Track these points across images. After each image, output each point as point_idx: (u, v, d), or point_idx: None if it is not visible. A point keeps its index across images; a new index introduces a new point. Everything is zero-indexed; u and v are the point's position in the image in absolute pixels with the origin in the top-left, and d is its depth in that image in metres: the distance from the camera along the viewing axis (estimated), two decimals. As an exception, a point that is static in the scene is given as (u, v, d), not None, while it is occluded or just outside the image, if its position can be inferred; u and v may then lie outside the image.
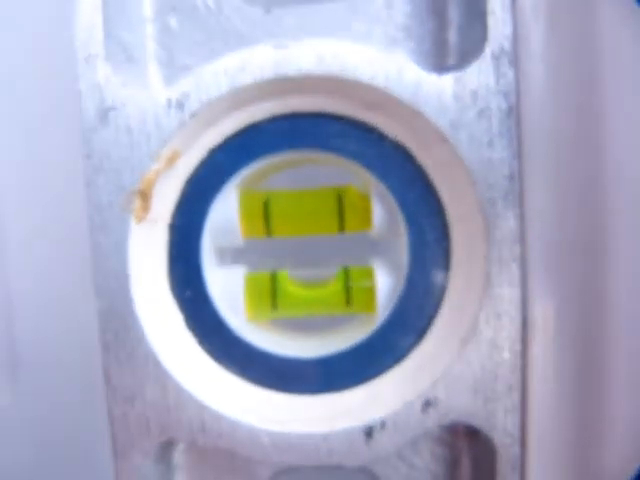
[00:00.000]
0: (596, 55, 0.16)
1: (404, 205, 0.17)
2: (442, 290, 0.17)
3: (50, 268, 0.26)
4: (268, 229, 0.18)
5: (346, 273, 0.19)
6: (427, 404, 0.17)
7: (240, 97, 0.16)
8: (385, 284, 0.18)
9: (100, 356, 0.17)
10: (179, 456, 0.19)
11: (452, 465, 0.19)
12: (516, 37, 0.16)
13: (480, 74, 0.16)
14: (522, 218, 0.16)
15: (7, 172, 0.23)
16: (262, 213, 0.18)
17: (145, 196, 0.16)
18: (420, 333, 0.17)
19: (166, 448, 0.18)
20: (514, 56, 0.16)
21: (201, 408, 0.17)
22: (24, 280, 0.27)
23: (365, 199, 0.18)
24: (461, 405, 0.17)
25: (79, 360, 0.26)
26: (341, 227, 0.18)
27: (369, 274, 0.18)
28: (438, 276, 0.17)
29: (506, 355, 0.16)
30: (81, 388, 0.27)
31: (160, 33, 0.17)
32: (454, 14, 0.17)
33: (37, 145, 0.20)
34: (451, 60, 0.17)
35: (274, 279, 0.19)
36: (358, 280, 0.19)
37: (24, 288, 0.27)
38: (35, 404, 0.28)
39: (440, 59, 0.17)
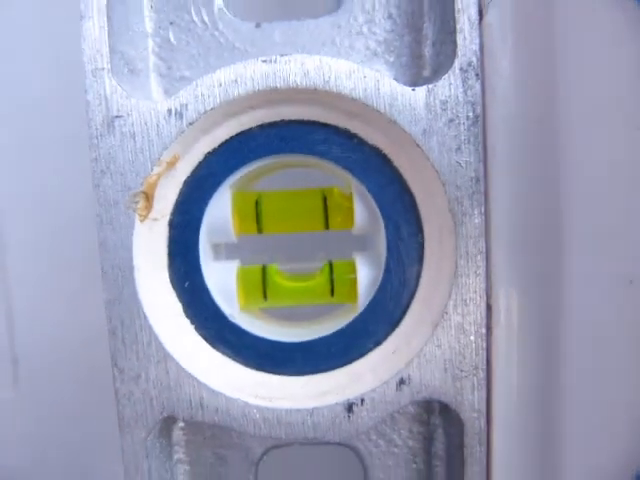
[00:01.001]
0: (557, 69, 0.18)
1: (382, 204, 0.19)
2: (416, 280, 0.19)
3: (49, 263, 0.28)
4: (259, 227, 0.20)
5: (330, 267, 0.20)
6: (401, 382, 0.18)
7: (233, 107, 0.18)
8: (366, 276, 0.20)
9: (96, 347, 0.19)
10: (178, 433, 0.21)
11: (428, 440, 0.20)
12: (483, 53, 0.18)
13: (450, 86, 0.17)
14: (487, 215, 0.18)
15: (12, 174, 0.24)
16: (254, 212, 0.20)
17: (148, 197, 0.18)
18: (396, 319, 0.19)
19: (167, 424, 0.20)
20: (481, 70, 0.18)
21: (199, 387, 0.18)
22: (23, 276, 0.28)
23: (348, 199, 0.20)
24: (432, 383, 0.18)
25: (78, 351, 0.27)
26: (326, 225, 0.20)
27: (351, 267, 0.20)
28: (413, 268, 0.19)
29: (472, 338, 0.18)
30: (80, 379, 0.28)
31: (160, 47, 0.19)
32: (429, 31, 0.19)
33: (45, 151, 0.21)
34: (426, 72, 0.19)
35: (265, 272, 0.20)
36: (341, 273, 0.20)
37: (23, 283, 0.28)
38: (36, 397, 0.29)
39: (416, 71, 0.19)
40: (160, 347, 0.18)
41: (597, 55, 0.17)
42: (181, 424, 0.20)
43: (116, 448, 0.19)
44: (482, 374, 0.18)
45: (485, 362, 0.18)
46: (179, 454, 0.21)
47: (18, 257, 0.28)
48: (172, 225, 0.19)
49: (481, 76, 0.18)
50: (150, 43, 0.19)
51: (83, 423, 0.28)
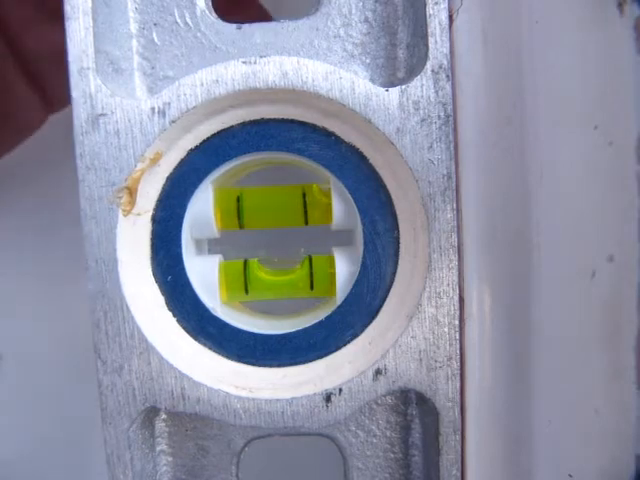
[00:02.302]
0: (524, 70, 0.19)
1: (359, 200, 0.19)
2: (392, 274, 0.20)
3: (31, 259, 0.28)
4: (241, 222, 0.21)
5: (310, 261, 0.21)
6: (378, 372, 0.19)
7: (214, 106, 0.18)
8: (344, 270, 0.20)
9: (79, 340, 0.19)
10: (161, 425, 0.21)
11: (405, 430, 0.21)
12: (454, 55, 0.19)
13: (422, 87, 0.18)
14: (458, 211, 0.19)
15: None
16: (235, 208, 0.21)
17: (131, 192, 0.18)
18: (373, 311, 0.20)
19: (150, 416, 0.20)
20: (451, 72, 0.18)
21: (181, 378, 0.19)
22: (5, 272, 0.29)
23: (326, 195, 0.20)
24: (407, 373, 0.19)
25: (62, 345, 0.28)
26: (305, 220, 0.21)
27: (330, 262, 0.21)
28: (389, 262, 0.20)
29: (446, 329, 0.19)
30: (64, 372, 0.29)
31: (144, 48, 0.19)
32: (403, 34, 0.19)
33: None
34: (400, 74, 0.20)
35: (246, 266, 0.21)
36: (321, 267, 0.21)
37: (5, 279, 0.29)
38: (20, 391, 0.30)
39: (392, 72, 0.20)
40: (142, 339, 0.19)
41: (561, 57, 0.18)
42: (163, 416, 0.21)
43: (99, 439, 0.19)
44: (456, 364, 0.19)
45: (458, 353, 0.19)
46: (162, 445, 0.21)
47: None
48: (155, 220, 0.19)
49: (452, 77, 0.18)
50: (134, 43, 0.19)
51: (67, 416, 0.29)
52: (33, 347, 0.30)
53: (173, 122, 0.18)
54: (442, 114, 0.18)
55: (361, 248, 0.20)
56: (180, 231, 0.20)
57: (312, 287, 0.21)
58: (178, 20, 0.19)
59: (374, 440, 0.21)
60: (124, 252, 0.19)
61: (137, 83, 0.19)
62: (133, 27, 0.19)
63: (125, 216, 0.18)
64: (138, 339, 0.19)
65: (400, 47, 0.19)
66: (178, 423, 0.21)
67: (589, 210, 0.18)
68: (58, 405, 0.30)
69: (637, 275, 0.18)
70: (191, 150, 0.19)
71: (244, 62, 0.18)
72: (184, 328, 0.20)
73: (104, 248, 0.18)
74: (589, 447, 0.20)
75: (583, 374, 0.19)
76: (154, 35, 0.19)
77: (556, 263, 0.19)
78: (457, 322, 0.19)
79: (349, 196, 0.19)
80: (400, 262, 0.19)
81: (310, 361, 0.20)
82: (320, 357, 0.20)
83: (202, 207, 0.20)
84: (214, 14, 0.19)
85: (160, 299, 0.20)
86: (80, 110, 0.18)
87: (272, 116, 0.19)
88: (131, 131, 0.18)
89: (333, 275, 0.20)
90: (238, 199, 0.21)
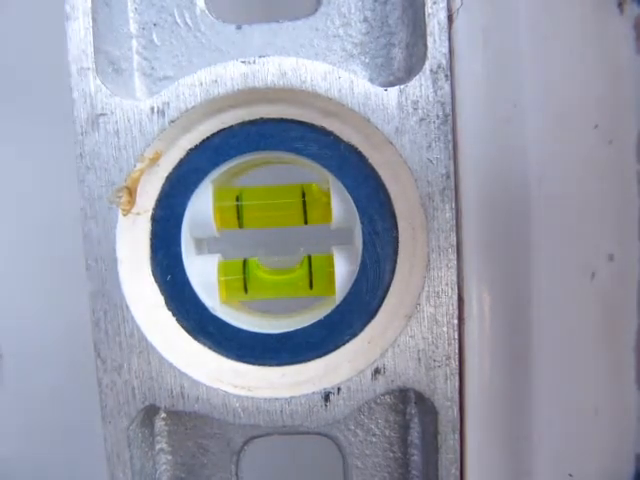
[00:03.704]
0: (524, 70, 0.19)
1: (358, 200, 0.19)
2: (391, 273, 0.20)
3: (30, 260, 0.28)
4: (240, 221, 0.21)
5: (309, 260, 0.21)
6: (377, 372, 0.19)
7: (214, 106, 0.19)
8: (343, 269, 0.20)
9: (78, 340, 0.19)
10: (160, 424, 0.21)
11: (404, 429, 0.21)
12: (453, 55, 0.19)
13: (420, 87, 0.18)
14: (457, 211, 0.19)
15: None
16: (235, 207, 0.21)
17: (131, 192, 0.18)
18: (372, 311, 0.20)
19: (149, 415, 0.20)
20: (450, 71, 0.18)
21: (180, 376, 0.19)
22: (5, 273, 0.29)
23: (326, 195, 0.20)
24: (406, 372, 0.19)
25: (61, 344, 0.28)
26: (305, 220, 0.21)
27: (330, 261, 0.21)
28: (388, 261, 0.20)
29: (445, 329, 0.19)
30: (64, 372, 0.29)
31: (144, 48, 0.20)
32: (402, 34, 0.19)
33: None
34: (399, 73, 0.20)
35: (245, 266, 0.21)
36: (320, 266, 0.21)
37: (5, 280, 0.29)
38: (20, 391, 0.30)
39: (391, 72, 0.20)
40: (142, 338, 0.19)
41: (561, 57, 0.18)
42: (163, 415, 0.21)
43: (99, 438, 0.19)
44: (454, 364, 0.19)
45: (457, 352, 0.19)
46: (161, 444, 0.21)
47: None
48: (155, 219, 0.19)
49: (450, 77, 0.18)
50: (134, 43, 0.19)
51: (67, 415, 0.29)
52: (33, 346, 0.30)
53: (172, 122, 0.18)
54: (441, 113, 0.18)
55: (360, 247, 0.20)
56: (180, 230, 0.20)
57: (311, 286, 0.21)
58: (178, 20, 0.20)
59: (373, 439, 0.21)
60: (124, 251, 0.19)
61: (137, 83, 0.19)
62: (133, 27, 0.20)
63: (125, 215, 0.18)
64: (138, 338, 0.19)
65: (399, 47, 0.19)
66: (177, 422, 0.21)
67: (589, 210, 0.18)
68: (58, 404, 0.30)
69: (637, 275, 0.18)
70: (191, 150, 0.19)
71: (243, 62, 0.18)
72: (183, 327, 0.20)
73: (104, 247, 0.18)
74: (589, 447, 0.20)
75: (583, 374, 0.19)
76: (154, 35, 0.20)
77: (556, 263, 0.19)
78: (456, 321, 0.19)
79: (348, 195, 0.19)
80: (399, 261, 0.20)
81: (309, 360, 0.20)
82: (319, 356, 0.20)
83: (202, 206, 0.20)
84: (214, 14, 0.20)
85: (160, 298, 0.20)
86: (80, 110, 0.18)
87: (271, 116, 0.19)
88: (131, 131, 0.18)
89: (332, 274, 0.20)
90: (238, 198, 0.21)
